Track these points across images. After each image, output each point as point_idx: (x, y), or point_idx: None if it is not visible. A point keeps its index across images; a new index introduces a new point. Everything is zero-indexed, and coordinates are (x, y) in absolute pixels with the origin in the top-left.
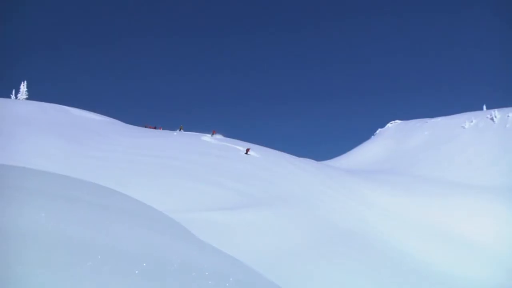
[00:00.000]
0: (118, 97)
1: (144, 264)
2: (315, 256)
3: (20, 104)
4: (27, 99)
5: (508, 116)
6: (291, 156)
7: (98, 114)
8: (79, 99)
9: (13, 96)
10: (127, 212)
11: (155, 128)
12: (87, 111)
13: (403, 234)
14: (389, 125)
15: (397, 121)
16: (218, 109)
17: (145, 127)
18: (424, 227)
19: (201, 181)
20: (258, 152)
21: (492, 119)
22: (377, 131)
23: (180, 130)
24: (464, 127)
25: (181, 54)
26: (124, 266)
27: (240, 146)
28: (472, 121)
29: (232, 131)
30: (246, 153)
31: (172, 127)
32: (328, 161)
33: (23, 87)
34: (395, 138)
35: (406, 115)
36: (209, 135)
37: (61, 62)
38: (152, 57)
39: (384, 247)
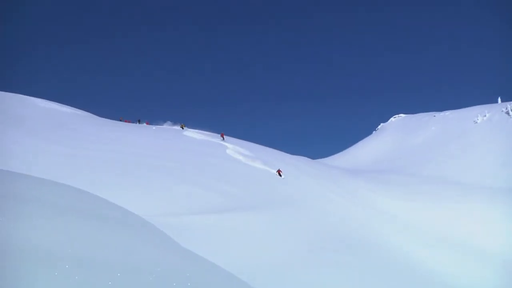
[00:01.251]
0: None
1: (118, 274)
2: (310, 265)
3: None
4: None
5: None
6: (284, 154)
7: (67, 106)
8: (47, 90)
9: None
10: (99, 216)
11: (131, 122)
12: (55, 103)
13: (409, 241)
14: (392, 119)
15: (401, 115)
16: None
17: (120, 120)
18: (432, 233)
19: (183, 182)
20: (247, 150)
21: (507, 112)
22: (379, 126)
23: (182, 128)
24: (476, 122)
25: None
26: (95, 277)
27: (228, 142)
28: (485, 115)
29: (218, 127)
30: (279, 174)
31: (157, 122)
32: (325, 159)
33: None
34: (399, 134)
35: (412, 109)
36: (192, 130)
37: (28, 49)
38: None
39: (388, 255)
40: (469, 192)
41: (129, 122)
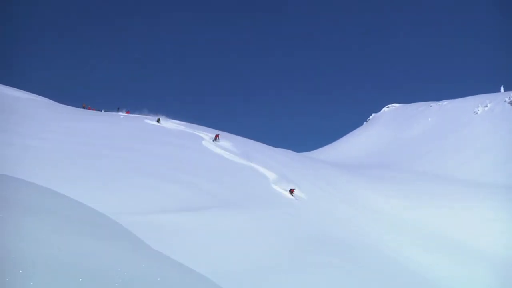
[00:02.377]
0: (51, 71)
1: (80, 279)
2: (294, 269)
3: None
4: None
5: None
6: (267, 146)
7: (22, 91)
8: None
9: None
10: (61, 214)
11: (95, 109)
12: (6, 86)
13: (402, 242)
14: (385, 109)
15: (395, 104)
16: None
17: (83, 108)
18: (427, 234)
19: (153, 177)
20: (229, 141)
21: (511, 102)
22: (371, 117)
23: (158, 121)
24: (476, 113)
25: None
26: (53, 282)
27: (202, 132)
28: (486, 105)
29: (199, 119)
30: (291, 193)
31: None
32: (311, 152)
33: None
34: (392, 126)
35: (407, 98)
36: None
37: None
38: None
39: (380, 257)
40: (467, 189)
41: (93, 109)
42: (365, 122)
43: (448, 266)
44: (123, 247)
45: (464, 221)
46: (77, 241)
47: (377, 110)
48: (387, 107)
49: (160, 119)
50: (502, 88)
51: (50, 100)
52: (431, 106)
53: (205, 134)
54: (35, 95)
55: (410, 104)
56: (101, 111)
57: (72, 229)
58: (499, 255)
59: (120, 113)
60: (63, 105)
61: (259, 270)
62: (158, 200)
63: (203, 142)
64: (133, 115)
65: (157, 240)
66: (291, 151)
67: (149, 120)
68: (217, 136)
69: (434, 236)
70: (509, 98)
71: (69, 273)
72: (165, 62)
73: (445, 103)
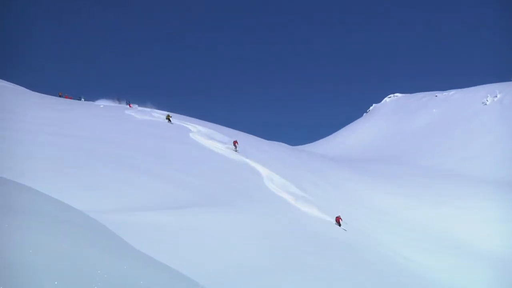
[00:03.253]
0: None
1: (56, 283)
2: (287, 272)
3: None
4: None
5: None
6: (259, 139)
7: None
8: None
9: None
10: (33, 212)
11: (72, 98)
12: None
13: (402, 243)
14: (386, 99)
15: (397, 94)
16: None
17: (60, 96)
18: (427, 234)
19: (135, 171)
20: (215, 134)
21: None
22: (371, 107)
23: (168, 120)
24: (485, 103)
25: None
26: (27, 286)
27: (190, 124)
28: (496, 96)
29: (185, 109)
30: (338, 224)
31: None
32: (306, 146)
33: None
34: (394, 117)
35: (410, 87)
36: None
37: None
38: None
39: (379, 260)
40: (474, 187)
41: (70, 98)
42: (364, 114)
43: (448, 266)
44: (102, 248)
45: (466, 221)
46: (51, 242)
47: (378, 100)
48: (389, 97)
49: (170, 116)
50: None
51: (21, 87)
52: (436, 96)
53: (193, 126)
54: (6, 81)
55: (413, 94)
56: (80, 99)
57: (46, 229)
58: (500, 256)
59: (101, 104)
60: (36, 93)
61: (251, 273)
62: (141, 197)
63: (191, 135)
64: (102, 103)
65: (140, 240)
66: (284, 144)
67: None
68: (235, 142)
69: (435, 236)
70: None
71: (43, 276)
72: (155, 52)
73: (451, 93)
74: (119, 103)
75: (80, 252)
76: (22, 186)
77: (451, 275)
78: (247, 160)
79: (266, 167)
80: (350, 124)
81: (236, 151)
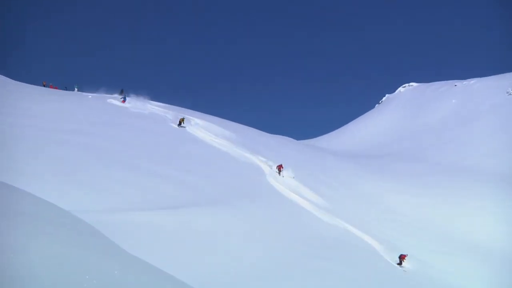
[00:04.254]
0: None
1: None
2: (290, 275)
3: None
4: None
5: None
6: (262, 133)
7: None
8: None
9: None
10: (15, 212)
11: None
12: None
13: (413, 245)
14: (401, 89)
15: (412, 83)
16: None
17: (44, 86)
18: (443, 237)
19: (128, 168)
20: (214, 128)
21: None
22: (384, 98)
23: (180, 123)
24: (510, 93)
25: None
26: None
27: (187, 116)
28: None
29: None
30: (401, 262)
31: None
32: (313, 140)
33: None
34: (409, 109)
35: (426, 76)
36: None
37: None
38: None
39: (385, 262)
40: (497, 186)
41: (55, 88)
42: (377, 105)
43: (465, 270)
44: (91, 250)
45: (487, 222)
46: (36, 244)
47: (391, 90)
48: (403, 86)
49: (183, 120)
50: None
51: (2, 76)
52: (455, 85)
53: (192, 119)
54: None
55: (430, 83)
56: (67, 89)
57: (30, 230)
58: None
59: (89, 94)
60: (18, 82)
61: (251, 277)
62: (132, 196)
63: (187, 128)
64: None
65: (134, 242)
66: (289, 139)
67: (114, 100)
68: (280, 167)
69: (453, 238)
70: None
71: (26, 281)
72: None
73: (472, 82)
74: (121, 96)
75: (66, 255)
76: (9, 187)
77: (467, 281)
78: (251, 157)
79: (270, 164)
80: (361, 116)
81: (281, 175)
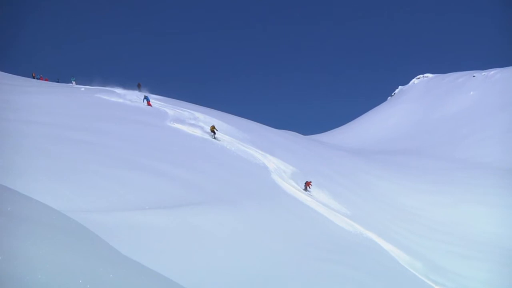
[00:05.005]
0: None
1: None
2: (298, 280)
3: None
4: None
5: None
6: (267, 127)
7: None
8: None
9: None
10: (2, 212)
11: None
12: None
13: (430, 248)
14: (415, 80)
15: (428, 74)
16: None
17: (33, 77)
18: (463, 238)
19: (126, 165)
20: (219, 120)
21: None
22: (397, 90)
23: (213, 133)
24: None
25: None
26: None
27: (186, 110)
28: None
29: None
30: (307, 187)
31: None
32: (321, 135)
33: None
34: (424, 101)
35: (442, 66)
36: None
37: None
38: None
39: (401, 267)
40: None
41: (46, 80)
42: (389, 97)
43: (490, 277)
44: (84, 253)
45: (507, 223)
46: (24, 247)
47: (405, 82)
48: (418, 78)
49: (215, 128)
50: None
51: None
52: (474, 76)
53: (190, 113)
54: None
55: (447, 74)
56: (59, 81)
57: (16, 232)
58: None
59: (82, 87)
60: (5, 73)
61: (255, 283)
62: (129, 195)
63: (187, 121)
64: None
65: (129, 244)
66: (296, 134)
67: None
68: (308, 184)
69: (472, 240)
70: None
71: (15, 285)
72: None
73: (492, 72)
74: (140, 91)
75: (60, 258)
76: None
77: None
78: (252, 152)
79: (277, 160)
80: (372, 110)
81: (307, 191)
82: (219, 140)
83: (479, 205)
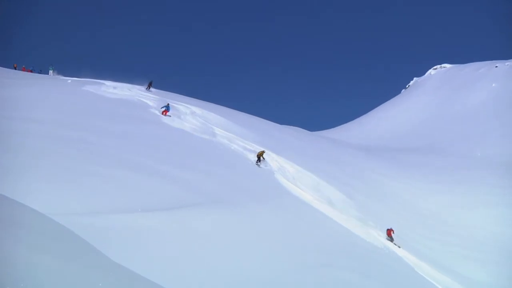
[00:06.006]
0: None
1: None
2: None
3: None
4: None
5: None
6: (269, 123)
7: None
8: None
9: None
10: None
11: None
12: None
13: (448, 254)
14: (431, 71)
15: (445, 65)
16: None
17: (15, 68)
18: (485, 244)
19: (117, 164)
20: (213, 117)
21: None
22: (412, 82)
23: (259, 159)
24: None
25: None
26: None
27: (182, 104)
28: None
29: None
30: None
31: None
32: (327, 131)
33: None
34: (441, 94)
35: (461, 56)
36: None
37: None
38: None
39: (415, 274)
40: None
41: (29, 71)
42: (403, 90)
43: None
44: (71, 259)
45: None
46: (6, 252)
47: (421, 73)
48: (434, 68)
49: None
50: None
51: None
52: (496, 66)
53: (186, 107)
54: None
55: (466, 65)
56: (42, 72)
57: (2, 236)
58: None
59: (68, 79)
60: None
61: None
62: (121, 196)
63: (182, 116)
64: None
65: (119, 249)
66: (301, 130)
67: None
68: (390, 232)
69: (493, 246)
70: None
71: None
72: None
73: None
74: (149, 88)
75: (45, 266)
76: None
77: None
78: (251, 148)
79: (280, 159)
80: (384, 103)
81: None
82: (266, 166)
83: (499, 207)
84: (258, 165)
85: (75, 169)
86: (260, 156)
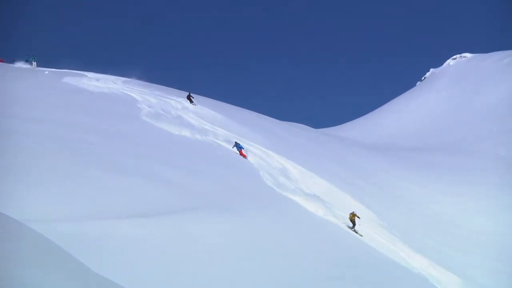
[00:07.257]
0: None
1: None
2: None
3: None
4: None
5: None
6: (270, 119)
7: None
8: None
9: None
10: None
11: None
12: None
13: (467, 264)
14: (450, 61)
15: (466, 54)
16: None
17: None
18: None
19: (103, 164)
20: (213, 110)
21: None
22: (428, 74)
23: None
24: None
25: None
26: None
27: (173, 98)
28: None
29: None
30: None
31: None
32: (334, 128)
33: None
34: (460, 87)
35: (483, 44)
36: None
37: None
38: None
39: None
40: None
41: (1, 61)
42: (418, 82)
43: None
44: (52, 271)
45: None
46: None
47: (438, 63)
48: (453, 58)
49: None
50: None
51: None
52: None
53: (177, 102)
54: None
55: (488, 54)
56: (13, 63)
57: None
58: None
59: (46, 70)
60: None
61: None
62: (105, 200)
63: (174, 112)
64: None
65: (104, 259)
66: (305, 127)
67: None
68: (354, 216)
69: None
70: None
71: None
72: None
73: None
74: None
75: (24, 277)
76: None
77: None
78: (257, 151)
79: (282, 159)
80: (397, 98)
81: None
82: (361, 236)
83: None
84: (356, 231)
85: (55, 170)
86: (352, 219)
